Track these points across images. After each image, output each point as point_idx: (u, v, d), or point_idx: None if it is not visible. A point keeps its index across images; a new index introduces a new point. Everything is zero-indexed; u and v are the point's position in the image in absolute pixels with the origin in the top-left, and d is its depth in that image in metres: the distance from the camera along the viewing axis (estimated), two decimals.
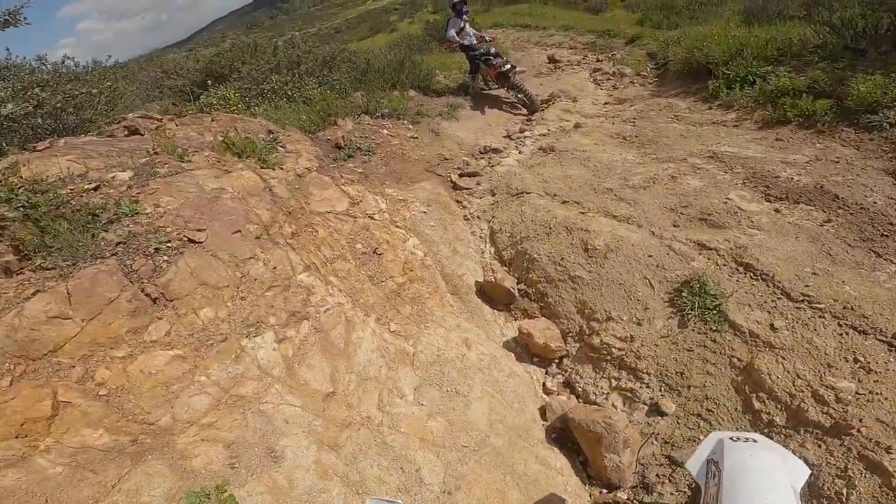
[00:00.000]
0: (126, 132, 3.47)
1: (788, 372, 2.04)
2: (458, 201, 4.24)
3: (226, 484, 1.48)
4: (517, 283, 3.22)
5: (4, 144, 3.07)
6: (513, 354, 2.73)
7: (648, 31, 9.36)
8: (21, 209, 2.15)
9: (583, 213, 3.45)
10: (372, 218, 3.34)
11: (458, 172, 4.62)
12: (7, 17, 2.37)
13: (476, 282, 3.30)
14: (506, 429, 2.13)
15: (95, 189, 2.48)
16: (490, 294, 3.20)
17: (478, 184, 4.46)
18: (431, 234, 3.57)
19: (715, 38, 5.99)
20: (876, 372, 1.91)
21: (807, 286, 2.31)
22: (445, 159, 4.86)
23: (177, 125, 3.70)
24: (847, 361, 1.99)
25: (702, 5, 12.50)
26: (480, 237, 3.84)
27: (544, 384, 2.61)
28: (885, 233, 2.58)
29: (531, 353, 2.76)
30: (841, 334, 2.08)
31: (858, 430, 1.79)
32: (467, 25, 6.40)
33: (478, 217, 4.04)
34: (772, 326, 2.22)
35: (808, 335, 2.12)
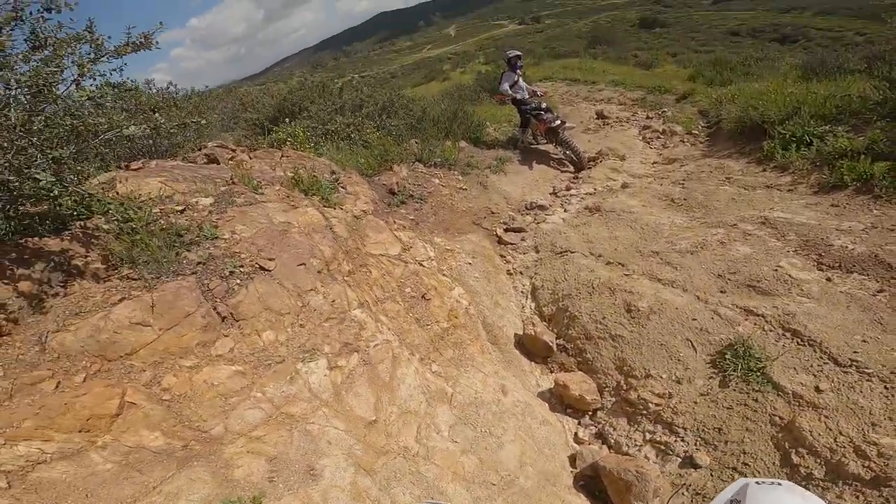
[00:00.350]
0: (205, 159, 3.94)
1: (831, 429, 2.12)
2: (501, 255, 4.48)
3: (262, 496, 1.65)
4: (556, 339, 3.37)
5: (112, 162, 3.44)
6: (547, 404, 2.87)
7: (700, 87, 9.54)
8: (116, 222, 2.43)
9: (627, 274, 3.59)
10: (421, 265, 3.63)
11: (504, 227, 4.89)
12: (142, 41, 2.55)
13: (515, 334, 3.48)
14: (535, 472, 2.25)
15: (182, 211, 2.84)
16: (528, 347, 3.37)
17: (522, 239, 4.69)
18: (475, 286, 3.82)
19: (771, 95, 6.03)
20: None
21: (855, 352, 2.38)
22: (492, 213, 5.15)
23: (250, 157, 4.18)
24: (892, 420, 2.05)
25: (757, 60, 12.51)
26: (522, 292, 4.04)
27: (576, 434, 2.72)
28: None
29: (565, 405, 2.89)
30: (888, 396, 2.14)
31: None
32: (520, 80, 6.83)
33: (520, 272, 4.25)
34: (817, 388, 2.30)
35: (854, 397, 2.19)
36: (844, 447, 2.01)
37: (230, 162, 4.01)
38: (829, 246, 3.24)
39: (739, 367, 2.52)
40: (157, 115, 2.85)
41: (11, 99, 2.12)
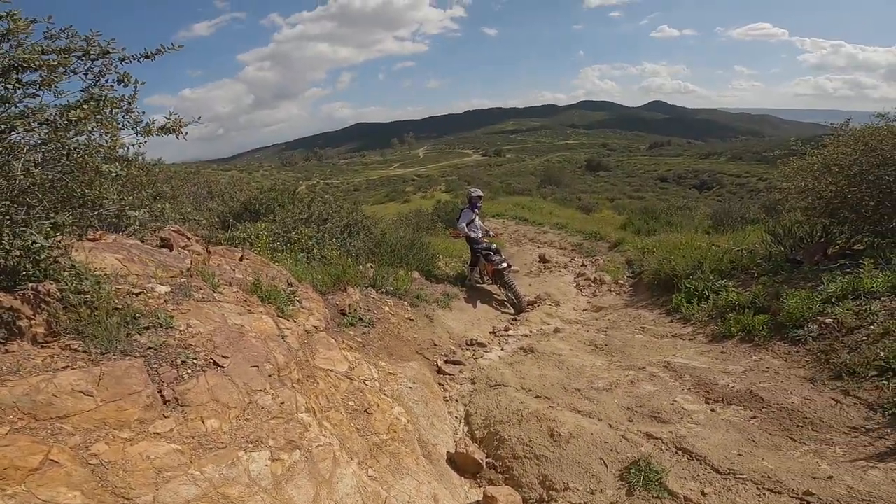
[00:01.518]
0: (159, 242, 4.13)
1: None
2: (440, 384, 5.02)
3: None
4: (486, 458, 3.82)
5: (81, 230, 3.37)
6: None
7: (630, 236, 11.26)
8: (69, 292, 2.50)
9: (552, 407, 4.21)
10: (364, 383, 4.07)
11: (445, 359, 5.48)
12: (172, 125, 2.69)
13: (448, 452, 3.89)
14: None
15: (137, 295, 3.03)
16: (460, 463, 3.78)
17: (460, 372, 5.29)
18: (414, 407, 4.27)
19: (682, 248, 7.30)
20: None
21: (732, 463, 3.07)
22: (435, 345, 5.77)
23: (209, 252, 4.51)
24: None
25: (678, 210, 15.00)
26: (456, 417, 4.55)
27: None
28: (799, 424, 3.45)
29: None
30: (759, 495, 2.78)
31: None
32: (477, 218, 7.88)
33: (456, 400, 4.80)
34: (702, 492, 2.90)
35: (732, 497, 2.81)
36: None
37: (183, 250, 4.22)
38: (716, 384, 4.11)
39: (642, 478, 3.11)
40: (166, 205, 3.08)
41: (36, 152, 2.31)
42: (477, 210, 7.91)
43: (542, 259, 10.02)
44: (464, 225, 7.71)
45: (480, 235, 7.81)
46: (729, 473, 3.00)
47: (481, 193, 8.22)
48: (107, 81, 2.56)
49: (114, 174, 2.56)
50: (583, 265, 9.61)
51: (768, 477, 2.88)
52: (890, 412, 3.26)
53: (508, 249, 10.52)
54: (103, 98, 2.54)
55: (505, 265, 7.39)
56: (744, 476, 2.94)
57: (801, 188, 6.23)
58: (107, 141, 2.56)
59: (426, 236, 9.67)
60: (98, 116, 2.51)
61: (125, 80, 2.58)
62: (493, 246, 7.74)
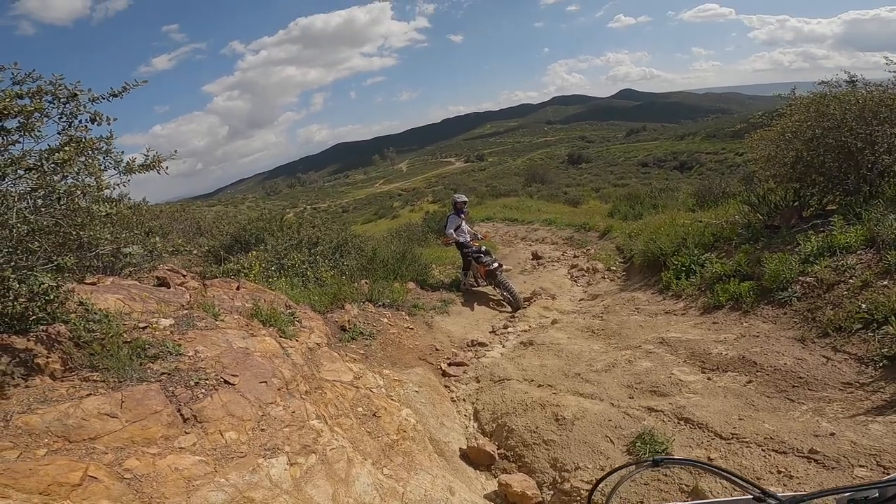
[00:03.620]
0: (156, 282, 4.35)
1: (726, 487, 2.71)
2: (446, 386, 5.14)
3: None
4: (497, 449, 3.92)
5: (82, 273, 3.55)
6: None
7: (617, 223, 11.43)
8: (81, 330, 2.68)
9: (555, 393, 4.33)
10: (371, 390, 4.17)
11: (448, 362, 5.61)
12: (152, 162, 2.78)
13: (460, 448, 4.00)
14: None
15: (144, 328, 3.23)
16: (473, 458, 3.89)
17: (464, 372, 5.42)
18: (422, 409, 4.37)
19: (665, 227, 7.47)
20: (797, 477, 2.63)
21: (734, 428, 3.16)
22: (437, 350, 5.90)
23: (206, 286, 4.69)
24: (772, 473, 2.72)
25: (661, 192, 15.11)
26: (465, 416, 4.65)
27: None
28: (794, 384, 3.56)
29: (510, 502, 3.34)
30: (765, 456, 2.85)
31: None
32: (464, 223, 8.06)
33: (463, 399, 4.90)
34: (708, 458, 2.99)
35: (738, 460, 2.90)
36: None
37: (180, 287, 4.45)
38: (709, 354, 4.25)
39: (647, 450, 3.21)
40: (156, 238, 3.27)
41: (28, 198, 2.42)
42: (463, 215, 8.09)
43: (535, 256, 10.17)
44: (451, 231, 7.90)
45: (469, 239, 7.99)
46: (732, 438, 3.08)
47: (466, 198, 8.45)
48: (80, 122, 2.67)
49: (104, 213, 2.71)
50: (575, 256, 9.80)
51: (771, 438, 2.95)
52: (880, 364, 3.36)
53: (501, 251, 10.65)
54: (83, 139, 2.65)
55: (496, 265, 7.52)
56: (747, 439, 3.02)
57: (765, 158, 6.45)
58: (93, 182, 2.69)
59: (417, 247, 9.81)
60: (82, 158, 2.65)
61: (97, 118, 2.69)
62: (483, 248, 7.87)
